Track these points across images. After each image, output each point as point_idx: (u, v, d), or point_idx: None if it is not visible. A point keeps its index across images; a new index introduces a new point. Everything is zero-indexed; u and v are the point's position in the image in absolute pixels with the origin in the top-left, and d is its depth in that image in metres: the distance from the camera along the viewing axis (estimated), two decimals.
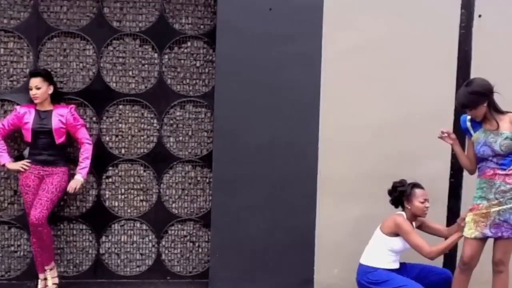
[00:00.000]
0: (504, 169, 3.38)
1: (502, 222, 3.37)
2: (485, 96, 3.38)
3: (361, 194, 4.28)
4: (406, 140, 4.25)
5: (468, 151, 3.66)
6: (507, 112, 3.44)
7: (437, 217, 4.24)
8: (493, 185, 3.40)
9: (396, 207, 3.83)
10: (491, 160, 3.41)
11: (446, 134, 3.67)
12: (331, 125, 4.24)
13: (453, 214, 4.28)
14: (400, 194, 3.76)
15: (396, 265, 3.73)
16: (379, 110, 4.24)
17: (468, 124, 3.57)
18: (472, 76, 4.12)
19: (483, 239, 3.46)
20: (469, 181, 3.81)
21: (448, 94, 4.06)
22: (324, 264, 4.31)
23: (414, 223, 3.78)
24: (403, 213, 3.76)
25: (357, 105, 4.25)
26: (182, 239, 4.47)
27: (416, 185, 3.73)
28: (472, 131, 3.54)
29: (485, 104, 3.39)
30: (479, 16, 4.28)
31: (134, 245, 4.43)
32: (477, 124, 3.51)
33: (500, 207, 3.36)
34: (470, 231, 3.45)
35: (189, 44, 4.38)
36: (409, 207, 3.71)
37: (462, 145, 3.74)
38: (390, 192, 3.83)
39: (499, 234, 3.39)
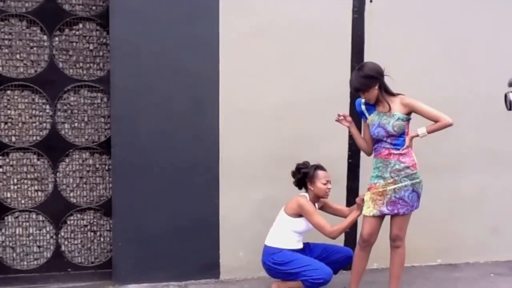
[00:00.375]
0: (398, 149, 3.51)
1: (398, 200, 3.51)
2: (376, 79, 3.47)
3: (263, 177, 4.31)
4: (305, 123, 4.31)
5: (364, 133, 3.77)
6: (398, 94, 3.56)
7: (337, 197, 4.36)
8: (388, 165, 3.52)
9: (300, 188, 3.88)
10: (386, 140, 3.53)
11: (342, 117, 3.75)
12: (231, 109, 4.21)
13: (352, 194, 4.43)
14: (303, 175, 3.80)
15: (300, 245, 3.81)
16: (278, 93, 4.27)
17: (363, 107, 3.66)
18: (365, 60, 4.24)
19: (381, 217, 3.59)
20: (367, 162, 3.92)
21: (343, 77, 4.12)
22: (229, 248, 4.33)
23: (317, 204, 3.85)
24: (306, 194, 3.82)
25: (257, 88, 4.25)
26: (82, 229, 4.31)
27: (318, 167, 3.79)
28: (367, 114, 3.64)
29: (377, 87, 3.49)
30: (371, 1, 4.38)
31: (31, 237, 4.22)
32: (371, 107, 3.60)
33: (396, 185, 3.49)
34: (369, 209, 3.58)
35: (81, 26, 4.16)
36: (312, 189, 3.77)
37: (359, 128, 3.83)
38: (294, 174, 3.86)
39: (395, 211, 3.53)
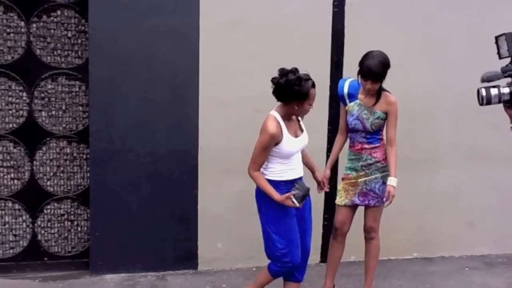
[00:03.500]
0: (371, 143, 3.54)
1: (368, 191, 3.55)
2: (388, 69, 3.37)
3: (242, 169, 4.26)
4: None
5: (341, 117, 3.68)
6: (385, 90, 3.50)
7: (315, 190, 4.38)
8: (361, 158, 3.56)
9: (278, 100, 3.18)
10: (361, 134, 3.54)
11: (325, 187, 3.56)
12: (210, 100, 4.20)
13: (331, 186, 4.42)
14: (292, 93, 3.06)
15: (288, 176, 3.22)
16: (258, 85, 4.21)
17: (345, 91, 3.55)
18: (345, 53, 4.25)
19: (353, 207, 3.63)
20: (346, 155, 3.94)
21: (323, 71, 4.15)
22: (207, 239, 4.33)
23: (285, 123, 3.21)
24: (276, 113, 3.19)
25: (237, 80, 4.23)
26: (59, 218, 4.28)
27: (313, 85, 3.15)
28: (347, 101, 3.55)
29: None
30: None
31: (6, 226, 4.17)
32: (352, 95, 3.53)
33: (366, 178, 3.54)
34: (341, 198, 3.62)
35: (59, 12, 4.10)
36: (296, 108, 3.12)
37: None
38: (280, 87, 3.10)
39: (366, 202, 3.57)
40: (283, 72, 3.10)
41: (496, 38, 2.52)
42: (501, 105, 2.63)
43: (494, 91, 2.48)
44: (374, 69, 3.30)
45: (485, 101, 2.52)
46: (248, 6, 4.21)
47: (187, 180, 4.24)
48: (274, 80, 3.11)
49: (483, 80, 2.53)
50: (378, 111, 3.47)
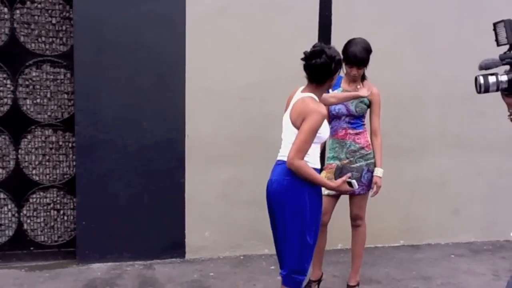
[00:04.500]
0: (355, 128, 3.54)
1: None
2: (370, 54, 3.43)
3: (229, 157, 4.30)
4: (271, 102, 4.27)
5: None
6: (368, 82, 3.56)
7: None
8: (344, 145, 3.54)
9: (313, 82, 2.82)
10: (344, 119, 3.55)
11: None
12: (197, 87, 4.17)
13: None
14: (335, 67, 2.77)
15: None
16: (245, 72, 4.24)
17: None
18: (332, 40, 4.24)
19: (335, 196, 3.60)
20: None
21: None
22: (194, 227, 4.32)
23: None
24: (313, 95, 2.83)
25: (223, 67, 4.21)
26: (45, 207, 4.24)
27: None
28: (331, 90, 3.53)
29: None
30: None
31: None
32: (335, 84, 3.55)
33: (351, 166, 3.51)
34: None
35: None
36: (327, 86, 2.89)
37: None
38: (323, 65, 2.73)
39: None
40: (318, 50, 2.76)
41: (494, 24, 2.50)
42: (488, 93, 2.63)
43: (492, 79, 2.46)
44: (359, 55, 3.38)
45: (483, 89, 2.51)
46: None
47: (174, 168, 4.22)
48: (318, 61, 2.73)
49: (481, 68, 2.51)
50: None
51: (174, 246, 4.31)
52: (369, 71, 3.51)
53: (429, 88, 4.71)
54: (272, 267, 4.17)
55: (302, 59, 2.79)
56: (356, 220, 3.68)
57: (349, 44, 3.43)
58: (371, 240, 3.85)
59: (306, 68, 2.80)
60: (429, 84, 4.70)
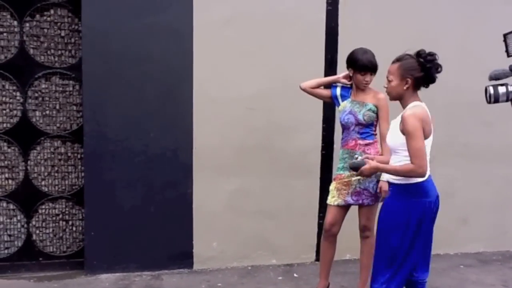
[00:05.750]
0: (364, 138, 3.55)
1: (362, 190, 3.54)
2: None
3: (236, 167, 4.31)
4: (278, 113, 4.32)
5: None
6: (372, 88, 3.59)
7: (310, 188, 4.40)
8: (354, 156, 3.53)
9: (421, 87, 3.08)
10: (353, 129, 3.56)
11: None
12: (205, 98, 4.20)
13: (325, 185, 4.41)
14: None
15: None
16: (252, 83, 4.26)
17: (338, 91, 3.63)
18: (339, 51, 4.26)
19: (345, 207, 3.61)
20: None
21: (317, 68, 4.15)
22: (202, 238, 4.33)
23: None
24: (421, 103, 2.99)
25: (231, 78, 4.24)
26: (54, 218, 4.27)
27: None
28: (340, 100, 3.62)
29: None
30: None
31: (1, 226, 4.16)
32: (345, 94, 3.61)
33: (360, 176, 3.53)
34: (333, 198, 3.60)
35: (52, 12, 4.09)
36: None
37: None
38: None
39: (360, 202, 3.56)
40: (428, 53, 3.04)
41: (505, 35, 2.52)
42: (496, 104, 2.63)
43: (502, 89, 2.47)
44: (374, 61, 3.48)
45: (493, 99, 2.51)
46: (242, 4, 4.21)
47: (182, 178, 4.23)
48: (437, 66, 3.00)
49: (491, 78, 2.52)
50: (369, 103, 3.52)
51: (182, 257, 4.32)
52: (375, 81, 3.53)
53: (435, 97, 4.68)
54: (280, 278, 4.17)
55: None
56: (364, 231, 3.67)
57: (357, 53, 3.49)
58: None
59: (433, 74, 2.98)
60: (435, 93, 4.66)
